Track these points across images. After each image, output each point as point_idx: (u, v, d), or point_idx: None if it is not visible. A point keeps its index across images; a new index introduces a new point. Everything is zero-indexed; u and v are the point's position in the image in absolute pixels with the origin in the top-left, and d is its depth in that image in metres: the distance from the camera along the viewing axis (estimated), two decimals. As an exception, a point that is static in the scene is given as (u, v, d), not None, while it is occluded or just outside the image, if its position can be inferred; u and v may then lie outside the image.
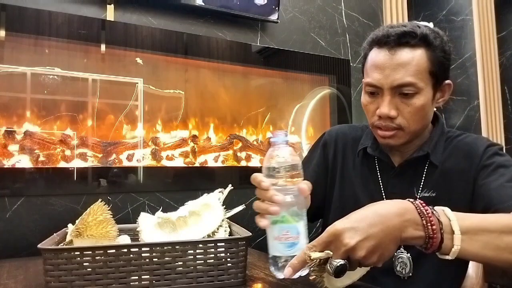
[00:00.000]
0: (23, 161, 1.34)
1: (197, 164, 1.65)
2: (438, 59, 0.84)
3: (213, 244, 0.84)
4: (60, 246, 0.83)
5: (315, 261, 0.58)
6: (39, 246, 0.77)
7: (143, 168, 1.51)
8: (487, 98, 2.40)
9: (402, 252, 0.87)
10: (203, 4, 1.61)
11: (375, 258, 0.59)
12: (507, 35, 2.91)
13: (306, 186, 0.68)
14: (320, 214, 1.05)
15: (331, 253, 0.58)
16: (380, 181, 0.94)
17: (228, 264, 0.84)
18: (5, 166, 1.31)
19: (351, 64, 2.05)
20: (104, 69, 1.50)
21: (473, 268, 0.99)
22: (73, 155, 1.42)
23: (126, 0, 1.52)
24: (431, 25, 0.90)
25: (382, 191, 0.93)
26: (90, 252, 0.77)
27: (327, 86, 2.00)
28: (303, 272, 0.65)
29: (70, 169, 1.38)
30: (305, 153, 1.94)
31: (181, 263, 0.82)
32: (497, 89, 2.48)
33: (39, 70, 1.39)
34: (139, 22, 1.55)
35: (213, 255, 0.84)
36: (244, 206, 1.01)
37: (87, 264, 0.77)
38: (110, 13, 1.49)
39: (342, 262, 0.57)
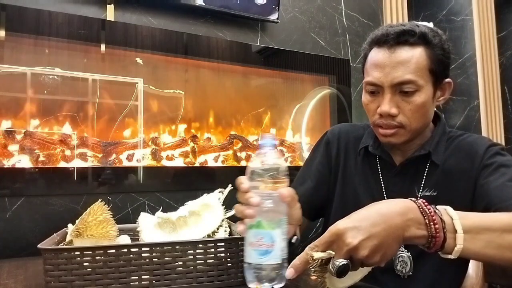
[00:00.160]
0: (23, 161, 1.34)
1: (197, 164, 1.65)
2: (438, 57, 0.84)
3: (213, 244, 0.84)
4: (60, 246, 0.83)
5: (317, 261, 0.58)
6: (39, 246, 0.77)
7: (143, 168, 1.51)
8: (487, 98, 2.40)
9: (402, 251, 0.88)
10: (204, 4, 1.61)
11: (378, 258, 0.58)
12: (507, 35, 2.92)
13: (287, 192, 0.67)
14: (321, 213, 1.05)
15: (333, 253, 0.58)
16: (381, 180, 0.94)
17: (228, 264, 0.84)
18: (5, 166, 1.31)
19: (351, 64, 2.05)
20: (104, 69, 1.50)
21: (473, 268, 0.99)
22: (73, 155, 1.42)
23: (126, 0, 1.52)
24: (431, 25, 0.91)
25: (383, 190, 0.93)
26: (90, 252, 0.77)
27: (327, 86, 2.00)
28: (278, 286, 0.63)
29: (70, 169, 1.38)
30: (305, 153, 1.94)
31: (181, 263, 0.82)
32: (497, 89, 2.49)
33: (39, 70, 1.39)
34: (139, 22, 1.55)
35: (213, 255, 0.83)
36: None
37: (87, 264, 0.77)
38: (110, 13, 1.49)
39: (344, 262, 0.57)
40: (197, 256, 0.83)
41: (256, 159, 0.67)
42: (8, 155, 1.33)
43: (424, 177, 0.90)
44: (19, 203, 1.29)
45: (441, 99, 0.90)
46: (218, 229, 0.91)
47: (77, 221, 0.88)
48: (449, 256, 0.63)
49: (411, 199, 0.63)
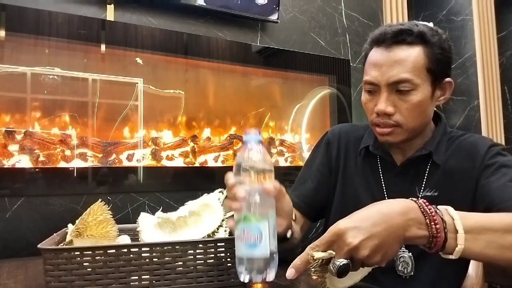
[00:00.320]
0: (23, 161, 1.34)
1: (197, 164, 1.65)
2: (436, 56, 0.84)
3: (213, 244, 0.84)
4: (60, 246, 0.83)
5: (317, 261, 0.58)
6: (39, 246, 0.77)
7: (143, 168, 1.51)
8: (487, 98, 2.40)
9: (404, 251, 0.87)
10: (204, 4, 1.61)
11: (379, 258, 0.58)
12: (507, 35, 2.92)
13: (272, 186, 0.67)
14: (322, 214, 1.05)
15: (334, 253, 0.58)
16: (382, 180, 0.94)
17: (228, 264, 0.84)
18: (5, 166, 1.31)
19: (351, 64, 2.05)
20: (104, 69, 1.50)
21: (473, 268, 0.99)
22: (73, 155, 1.42)
23: (126, 0, 1.52)
24: (431, 25, 0.91)
25: (384, 190, 0.93)
26: (90, 252, 0.77)
27: (327, 86, 2.00)
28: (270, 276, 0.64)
29: (70, 169, 1.38)
30: (305, 153, 1.94)
31: (181, 263, 0.82)
32: (497, 89, 2.49)
33: (39, 70, 1.39)
34: (139, 22, 1.55)
35: (213, 255, 0.83)
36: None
37: (87, 264, 0.77)
38: (110, 13, 1.49)
39: (345, 261, 0.57)
40: (197, 256, 0.83)
41: (241, 155, 0.68)
42: (8, 155, 1.33)
43: (425, 177, 0.90)
44: (19, 203, 1.29)
45: (442, 99, 0.89)
46: (218, 229, 0.91)
47: (77, 221, 0.87)
48: (450, 257, 0.63)
49: (412, 199, 0.63)
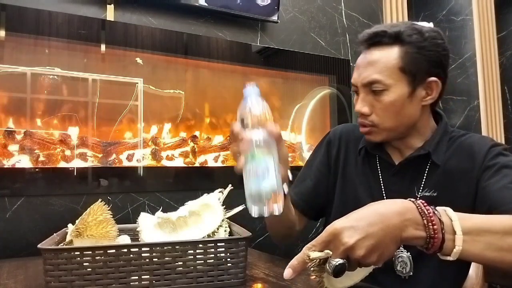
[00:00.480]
0: (23, 161, 1.34)
1: (197, 164, 1.65)
2: (412, 55, 0.84)
3: (213, 244, 0.84)
4: (60, 246, 0.83)
5: (314, 261, 0.58)
6: (39, 246, 0.77)
7: (143, 168, 1.51)
8: (487, 98, 2.40)
9: (402, 252, 0.87)
10: (206, 4, 1.61)
11: (375, 258, 0.58)
12: (507, 35, 2.92)
13: (274, 127, 0.71)
14: (322, 213, 1.05)
15: (331, 252, 0.58)
16: (381, 180, 0.94)
17: (228, 264, 0.84)
18: (5, 166, 1.31)
19: (351, 64, 2.05)
20: (104, 69, 1.50)
21: (473, 268, 0.98)
22: (73, 155, 1.42)
23: (126, 0, 1.52)
24: (431, 25, 0.90)
25: (383, 189, 0.93)
26: (90, 252, 0.77)
27: (327, 86, 2.00)
28: (276, 209, 0.68)
29: (70, 169, 1.38)
30: (305, 153, 1.94)
31: (181, 263, 0.82)
32: (497, 89, 2.49)
33: (39, 70, 1.39)
34: (139, 22, 1.55)
35: (213, 255, 0.84)
36: (244, 206, 1.01)
37: (87, 264, 0.77)
38: (110, 13, 1.49)
39: (341, 261, 0.57)
40: (197, 256, 0.83)
41: (243, 106, 0.74)
42: (8, 155, 1.33)
43: (424, 177, 0.90)
44: (19, 203, 1.29)
45: (429, 99, 0.88)
46: (218, 229, 0.92)
47: (77, 221, 0.88)
48: (448, 258, 0.62)
49: (410, 200, 0.63)
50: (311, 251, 0.58)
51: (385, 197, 0.92)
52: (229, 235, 0.93)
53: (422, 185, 0.89)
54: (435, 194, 0.87)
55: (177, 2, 1.59)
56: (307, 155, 1.91)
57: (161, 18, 1.59)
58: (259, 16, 1.73)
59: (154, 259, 0.80)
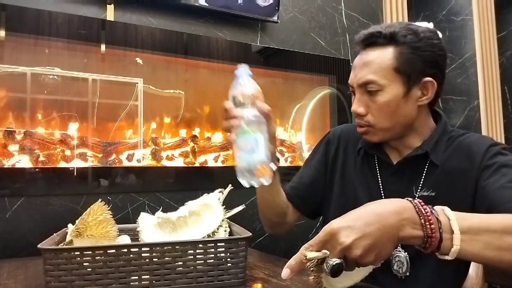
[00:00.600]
0: (23, 161, 1.34)
1: (197, 164, 1.65)
2: (407, 56, 0.84)
3: (213, 244, 0.84)
4: (60, 246, 0.84)
5: (312, 261, 0.58)
6: (39, 246, 0.77)
7: (143, 168, 1.51)
8: (487, 98, 2.40)
9: (399, 251, 0.87)
10: (206, 4, 1.61)
11: (372, 257, 0.58)
12: (507, 35, 2.92)
13: (263, 105, 0.76)
14: (319, 212, 1.06)
15: (328, 252, 0.58)
16: (379, 179, 0.94)
17: (228, 264, 0.85)
18: (5, 166, 1.31)
19: (351, 64, 2.05)
20: (104, 69, 1.50)
21: (473, 268, 0.98)
22: (73, 155, 1.42)
23: (126, 0, 1.52)
24: (431, 25, 0.90)
25: (381, 189, 0.93)
26: (90, 252, 0.77)
27: (327, 86, 2.00)
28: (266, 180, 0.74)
29: (70, 169, 1.38)
30: (305, 153, 1.94)
31: (181, 263, 0.82)
32: (497, 89, 2.49)
33: (39, 70, 1.39)
34: (139, 22, 1.55)
35: (213, 255, 0.84)
36: (244, 206, 1.01)
37: (87, 264, 0.77)
38: (110, 13, 1.49)
39: (338, 261, 0.57)
40: (197, 256, 0.83)
41: (235, 86, 0.77)
42: (8, 155, 1.33)
43: (423, 176, 0.90)
44: (19, 203, 1.29)
45: (425, 99, 0.88)
46: (218, 229, 0.92)
47: (77, 221, 0.88)
48: (446, 257, 0.62)
49: (407, 199, 0.63)
50: (308, 251, 0.58)
51: (383, 197, 0.92)
52: (229, 235, 0.93)
53: (420, 185, 0.89)
54: (433, 194, 0.87)
55: (177, 2, 1.59)
56: (307, 155, 1.91)
57: (161, 18, 1.59)
58: (259, 16, 1.73)
59: (154, 259, 0.80)
